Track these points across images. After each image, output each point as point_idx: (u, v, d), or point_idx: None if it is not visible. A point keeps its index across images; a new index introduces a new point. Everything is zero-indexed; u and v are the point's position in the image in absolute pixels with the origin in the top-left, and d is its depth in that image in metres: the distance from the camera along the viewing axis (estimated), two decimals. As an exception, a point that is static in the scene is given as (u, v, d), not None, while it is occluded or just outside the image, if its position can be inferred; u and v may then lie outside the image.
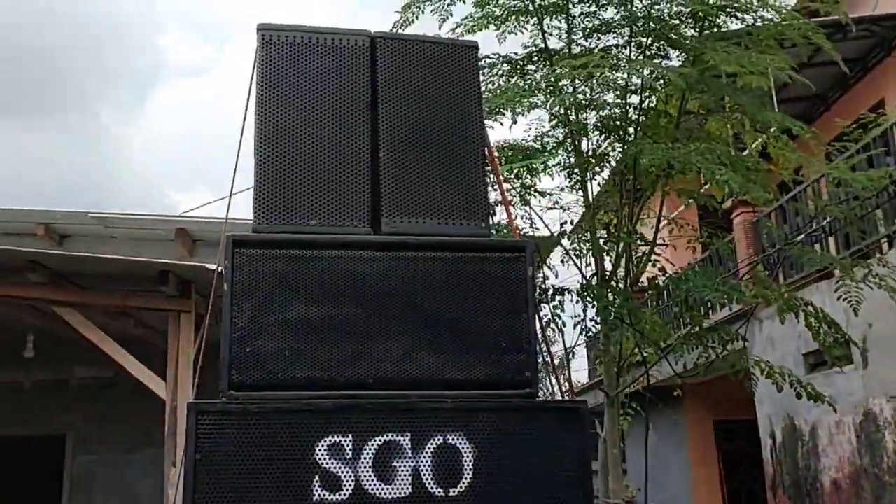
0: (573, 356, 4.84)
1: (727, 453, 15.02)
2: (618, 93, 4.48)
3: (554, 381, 4.33)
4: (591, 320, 4.64)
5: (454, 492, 2.15)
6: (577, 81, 4.26)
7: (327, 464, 2.12)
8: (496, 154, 4.65)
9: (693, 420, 14.85)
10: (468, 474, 2.17)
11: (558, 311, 4.58)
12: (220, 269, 2.28)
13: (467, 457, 2.18)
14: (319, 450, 2.12)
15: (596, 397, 13.58)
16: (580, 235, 4.70)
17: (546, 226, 4.90)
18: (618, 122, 4.56)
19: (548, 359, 3.20)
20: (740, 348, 5.10)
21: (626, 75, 4.29)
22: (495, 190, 3.78)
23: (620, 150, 4.58)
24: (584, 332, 4.59)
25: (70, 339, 7.09)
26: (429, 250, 2.32)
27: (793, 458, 9.39)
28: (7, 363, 7.72)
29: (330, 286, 2.26)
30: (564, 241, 4.79)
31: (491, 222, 4.07)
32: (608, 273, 4.46)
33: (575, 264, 4.73)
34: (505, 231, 4.29)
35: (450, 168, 2.45)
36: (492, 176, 3.14)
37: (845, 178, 4.18)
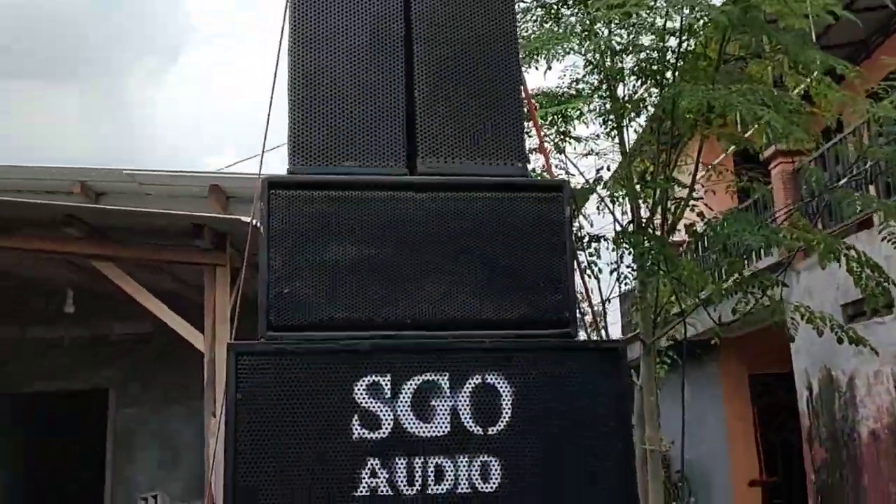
0: (608, 303, 4.81)
1: (763, 407, 14.97)
2: (655, 36, 4.38)
3: (590, 329, 4.30)
4: (626, 267, 4.60)
5: (493, 430, 2.15)
6: (612, 25, 4.16)
7: (366, 403, 2.12)
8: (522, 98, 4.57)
9: (729, 374, 14.79)
10: (506, 413, 2.16)
11: (594, 259, 4.55)
12: (254, 220, 2.27)
13: (506, 396, 2.17)
14: (358, 389, 2.13)
15: (630, 352, 13.51)
16: (616, 181, 4.62)
17: (581, 173, 4.85)
18: (655, 67, 4.46)
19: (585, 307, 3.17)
20: (779, 300, 5.03)
21: (663, 16, 4.18)
22: (531, 136, 3.74)
23: (658, 94, 4.48)
24: (619, 280, 4.56)
25: (108, 296, 7.20)
26: (465, 190, 2.29)
27: (829, 410, 9.32)
28: (48, 320, 7.87)
29: (366, 227, 2.24)
30: (600, 189, 4.72)
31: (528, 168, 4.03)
32: (644, 220, 4.40)
33: (610, 212, 4.68)
34: (543, 175, 4.23)
35: (486, 107, 2.41)
36: (528, 121, 3.09)
37: (890, 116, 4.05)
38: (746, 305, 4.50)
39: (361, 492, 2.08)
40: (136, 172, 7.57)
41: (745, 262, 5.40)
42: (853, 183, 6.44)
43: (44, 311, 7.86)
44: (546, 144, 4.66)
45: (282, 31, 2.47)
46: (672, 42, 4.33)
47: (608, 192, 4.66)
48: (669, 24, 4.23)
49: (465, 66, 2.42)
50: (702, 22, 4.14)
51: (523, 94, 2.57)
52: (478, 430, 2.15)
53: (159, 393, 7.93)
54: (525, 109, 2.85)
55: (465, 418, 2.15)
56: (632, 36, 4.38)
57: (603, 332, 4.75)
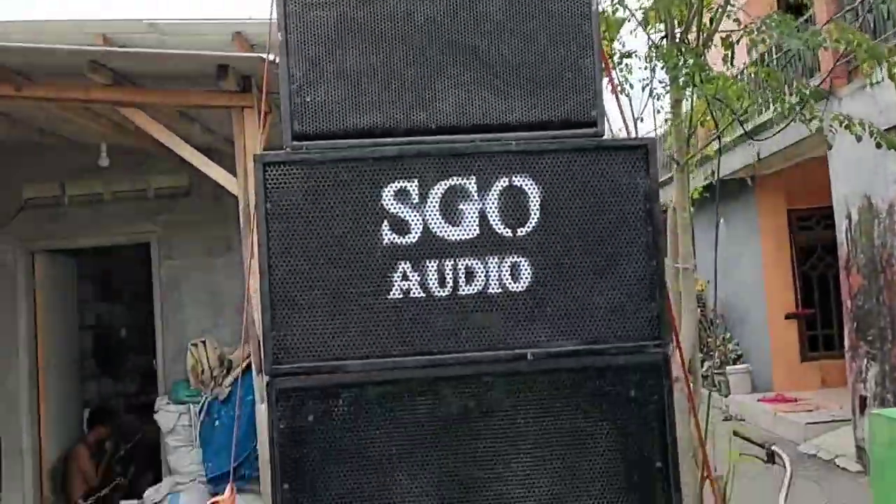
0: (641, 122, 4.71)
1: (801, 241, 14.95)
2: None
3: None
4: (659, 82, 4.48)
5: (522, 231, 2.16)
6: None
7: (395, 209, 2.14)
8: None
9: (766, 210, 14.71)
10: (535, 214, 2.17)
11: (626, 75, 4.43)
12: (269, 55, 2.22)
13: (534, 197, 2.17)
14: (386, 195, 2.14)
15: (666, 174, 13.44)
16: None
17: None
18: None
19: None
20: (816, 130, 4.83)
21: None
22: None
23: None
24: (651, 96, 4.45)
25: (144, 151, 7.26)
26: (489, -12, 2.21)
27: (868, 237, 9.28)
28: (87, 176, 7.98)
29: (389, 31, 2.19)
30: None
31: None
32: (679, 35, 4.24)
33: (640, 25, 4.49)
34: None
35: None
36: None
37: None
38: (785, 113, 4.33)
39: (394, 295, 2.13)
40: (157, 21, 7.42)
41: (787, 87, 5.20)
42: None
43: (82, 167, 7.96)
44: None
45: None
46: None
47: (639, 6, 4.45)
48: None
49: None
50: None
51: None
52: (507, 232, 2.17)
53: (200, 245, 8.10)
54: None
55: (494, 221, 2.16)
56: None
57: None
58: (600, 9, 4.64)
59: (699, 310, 16.48)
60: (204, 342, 7.61)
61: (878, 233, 9.02)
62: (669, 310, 2.43)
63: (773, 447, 3.38)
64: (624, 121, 2.71)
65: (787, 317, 14.54)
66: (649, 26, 4.62)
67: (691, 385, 4.26)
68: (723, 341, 16.44)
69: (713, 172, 9.68)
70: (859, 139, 4.27)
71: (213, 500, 3.04)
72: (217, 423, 7.36)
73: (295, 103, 2.17)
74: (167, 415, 7.35)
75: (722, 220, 16.09)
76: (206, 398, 7.33)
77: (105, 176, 7.94)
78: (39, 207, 8.12)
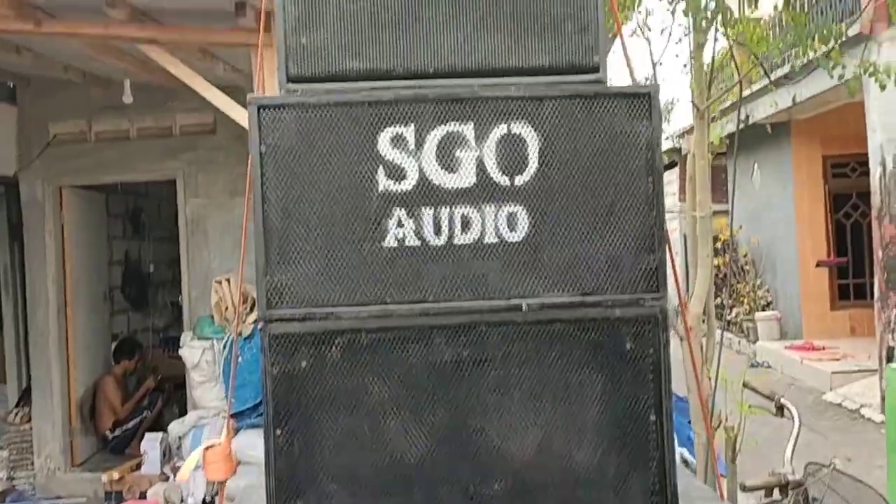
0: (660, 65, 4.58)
1: (836, 188, 14.68)
2: None
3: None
4: (679, 25, 4.34)
5: (520, 180, 2.12)
6: None
7: (390, 155, 2.10)
8: None
9: (801, 157, 14.42)
10: (534, 162, 2.12)
11: (644, 20, 4.28)
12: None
13: (532, 145, 2.12)
14: (382, 141, 2.10)
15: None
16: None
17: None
18: None
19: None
20: (853, 76, 4.64)
21: None
22: None
23: None
24: (671, 40, 4.30)
25: (167, 88, 7.25)
26: (487, -74, 2.13)
27: (903, 186, 9.06)
28: (113, 113, 8.02)
29: (384, -29, 2.13)
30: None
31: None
32: (702, -25, 4.09)
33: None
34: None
35: None
36: None
37: None
38: (812, 53, 4.17)
39: (389, 242, 2.11)
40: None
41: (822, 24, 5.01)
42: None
43: (108, 104, 7.99)
44: None
45: None
46: None
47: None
48: None
49: None
50: None
51: None
52: (504, 181, 2.12)
53: (225, 183, 8.13)
54: None
55: (491, 168, 2.12)
56: None
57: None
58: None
59: (729, 255, 16.33)
60: (228, 279, 7.68)
61: (913, 182, 8.81)
62: (672, 264, 2.39)
63: (781, 399, 3.36)
64: (629, 64, 2.62)
65: (819, 265, 14.36)
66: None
67: (704, 334, 4.24)
68: (753, 287, 16.31)
69: (747, 116, 9.49)
70: (883, 87, 4.13)
71: (208, 443, 3.09)
72: (241, 359, 7.48)
73: (290, 44, 2.13)
74: (192, 350, 7.48)
75: (756, 165, 15.82)
76: (230, 335, 7.44)
77: (130, 113, 7.97)
78: (66, 144, 8.18)
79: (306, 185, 2.08)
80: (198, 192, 8.31)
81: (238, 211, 8.11)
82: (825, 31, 4.00)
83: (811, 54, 4.13)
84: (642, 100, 2.15)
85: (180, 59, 5.58)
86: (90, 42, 5.52)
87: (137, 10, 5.08)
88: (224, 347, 7.48)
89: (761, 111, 12.84)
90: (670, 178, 21.84)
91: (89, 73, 7.54)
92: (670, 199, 21.45)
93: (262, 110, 2.10)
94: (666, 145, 18.03)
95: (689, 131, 13.93)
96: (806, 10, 4.02)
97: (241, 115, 5.64)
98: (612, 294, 2.14)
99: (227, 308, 7.60)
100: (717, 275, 15.34)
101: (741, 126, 8.07)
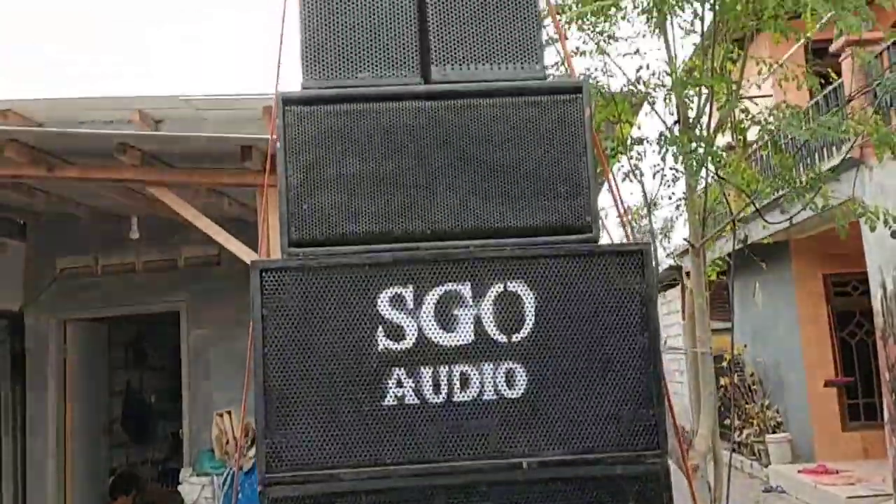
0: (655, 208, 4.69)
1: (838, 306, 14.67)
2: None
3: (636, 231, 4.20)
4: (671, 169, 4.48)
5: (517, 337, 2.16)
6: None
7: (390, 315, 2.15)
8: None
9: (802, 275, 14.47)
10: (530, 320, 2.16)
11: (637, 162, 4.43)
12: (274, 135, 2.27)
13: (528, 303, 2.17)
14: (381, 301, 2.15)
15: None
16: (659, 81, 4.46)
17: (624, 74, 4.68)
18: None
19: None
20: (847, 199, 4.77)
21: None
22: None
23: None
24: (663, 183, 4.45)
25: (173, 221, 7.40)
26: (480, 97, 2.25)
27: (904, 308, 9.07)
28: (119, 247, 8.15)
29: (382, 139, 2.23)
30: (641, 88, 4.55)
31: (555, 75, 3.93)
32: (692, 120, 4.26)
33: (655, 111, 4.53)
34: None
35: (501, 10, 2.34)
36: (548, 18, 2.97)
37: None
38: (795, 202, 4.31)
39: (389, 401, 2.12)
40: (192, 98, 7.63)
41: (809, 160, 5.16)
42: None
43: (115, 239, 8.13)
44: (584, 48, 4.52)
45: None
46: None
47: (646, 93, 4.48)
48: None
49: (479, -32, 2.34)
50: None
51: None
52: (502, 338, 2.16)
53: (228, 314, 8.17)
54: (545, 10, 2.74)
55: (489, 326, 2.16)
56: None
57: (649, 236, 4.65)
58: (622, 89, 4.71)
59: (737, 374, 16.18)
60: (230, 412, 7.62)
61: (914, 303, 8.83)
62: (673, 417, 2.39)
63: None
64: (621, 218, 2.69)
65: (827, 384, 14.18)
66: (667, 105, 4.64)
67: (712, 472, 4.17)
68: (762, 408, 16.07)
69: (746, 237, 9.59)
70: (873, 229, 4.22)
71: None
72: (241, 495, 7.34)
73: (292, 211, 2.20)
74: (191, 487, 7.35)
75: (757, 285, 15.87)
76: (230, 469, 7.32)
77: (137, 247, 8.10)
78: (73, 278, 8.29)
79: (306, 347, 2.12)
80: (200, 322, 8.35)
81: (240, 342, 8.14)
82: (812, 175, 4.13)
83: (797, 195, 4.24)
84: (635, 257, 2.20)
85: (187, 195, 5.74)
86: (101, 184, 5.68)
87: (147, 154, 5.25)
88: (224, 482, 7.34)
89: (760, 231, 12.99)
90: (673, 297, 21.87)
91: (97, 210, 7.72)
92: (674, 317, 21.40)
93: (264, 274, 2.15)
94: (666, 263, 18.10)
95: (688, 251, 14.06)
96: (783, 151, 4.15)
97: (244, 252, 5.74)
98: (613, 451, 2.13)
99: (227, 442, 7.50)
100: (724, 395, 15.20)
101: (740, 244, 8.17)
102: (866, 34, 6.70)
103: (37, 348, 8.24)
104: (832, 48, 8.90)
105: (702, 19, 4.30)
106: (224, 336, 8.16)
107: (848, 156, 7.50)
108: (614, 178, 3.68)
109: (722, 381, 15.49)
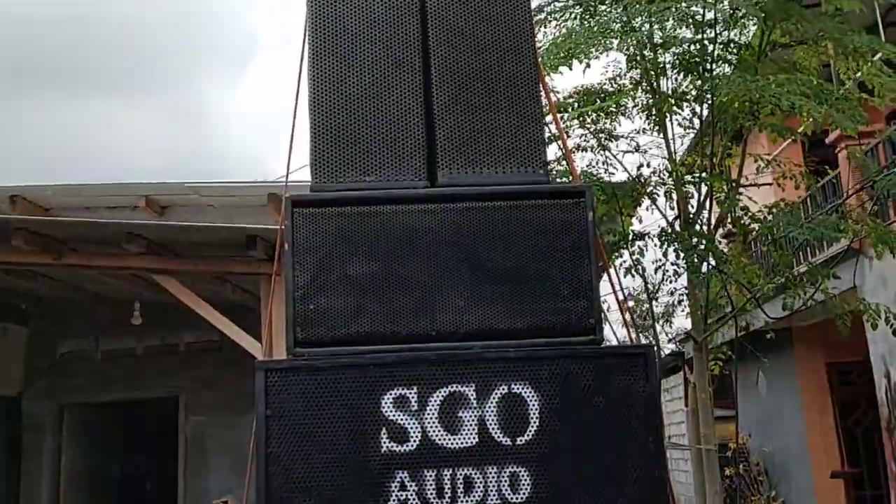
0: (654, 300, 4.71)
1: (843, 395, 14.52)
2: (695, 27, 4.28)
3: (630, 329, 4.22)
4: (672, 264, 4.52)
5: (521, 440, 2.14)
6: (651, 18, 4.08)
7: (394, 416, 2.14)
8: (564, 98, 4.54)
9: (804, 364, 14.38)
10: (535, 422, 2.15)
11: (638, 257, 4.47)
12: (282, 226, 2.31)
13: (533, 405, 2.16)
14: (385, 403, 2.15)
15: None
16: (660, 179, 4.55)
17: (625, 169, 4.77)
18: (697, 59, 4.37)
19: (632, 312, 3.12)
20: (847, 289, 4.82)
21: (702, 7, 4.08)
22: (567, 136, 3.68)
23: (700, 87, 4.39)
24: (665, 278, 4.49)
25: (175, 307, 7.42)
26: (485, 200, 2.29)
27: (909, 399, 8.99)
28: (120, 332, 8.15)
29: (389, 241, 2.26)
30: (644, 180, 4.62)
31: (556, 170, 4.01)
32: (692, 216, 4.32)
33: (656, 207, 4.59)
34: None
35: (506, 115, 2.41)
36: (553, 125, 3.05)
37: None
38: (803, 299, 4.37)
39: (392, 504, 2.10)
40: (198, 185, 7.74)
41: (806, 252, 5.22)
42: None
43: (117, 323, 8.14)
44: (585, 144, 4.62)
45: (303, 46, 2.50)
46: (713, 33, 4.23)
47: (646, 188, 4.56)
48: (709, 15, 4.14)
49: (484, 74, 2.42)
50: (743, 11, 4.02)
51: (544, 99, 2.55)
52: (506, 441, 2.15)
53: (227, 401, 8.12)
54: (548, 115, 2.83)
55: (493, 429, 2.15)
56: (671, 29, 4.30)
57: (651, 331, 4.67)
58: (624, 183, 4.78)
59: (742, 464, 15.93)
60: (226, 502, 7.49)
61: (918, 395, 8.75)
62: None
63: None
64: (623, 315, 2.71)
65: (833, 476, 13.94)
66: (666, 200, 4.71)
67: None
68: (768, 500, 15.76)
69: (748, 324, 9.57)
70: (875, 327, 4.24)
71: None
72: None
73: (298, 310, 2.22)
74: (184, 580, 7.16)
75: (760, 373, 15.76)
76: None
77: (138, 331, 8.10)
78: (72, 362, 8.26)
79: (309, 450, 2.10)
80: (199, 409, 8.29)
81: (238, 430, 8.06)
82: (811, 269, 4.17)
83: (802, 295, 4.28)
84: (638, 360, 2.21)
85: (191, 282, 5.77)
86: (105, 271, 5.72)
87: (154, 243, 5.31)
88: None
89: (762, 318, 12.96)
90: (676, 382, 21.68)
91: (99, 294, 7.75)
92: (677, 403, 21.18)
93: (269, 374, 2.16)
94: (668, 349, 18.01)
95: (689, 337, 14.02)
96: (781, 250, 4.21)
97: (243, 340, 5.75)
98: (619, 559, 2.10)
99: (223, 532, 7.36)
100: (729, 485, 14.90)
101: (742, 332, 8.17)
102: (861, 127, 6.82)
103: (33, 434, 8.15)
104: (828, 140, 9.06)
105: (699, 117, 4.41)
106: (223, 423, 8.09)
107: (846, 247, 7.55)
108: (616, 272, 3.72)
109: (728, 472, 15.22)
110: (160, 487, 10.44)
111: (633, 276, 4.53)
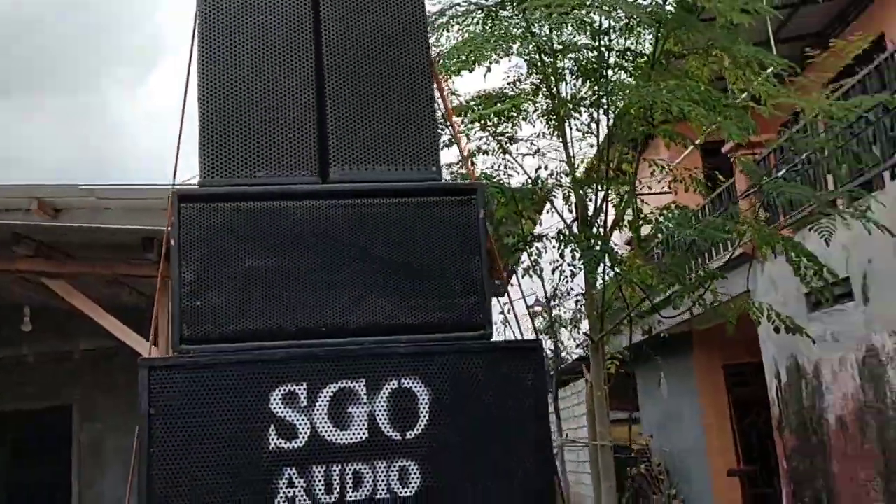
0: (556, 302, 4.79)
1: (738, 396, 15.06)
2: (591, 35, 4.40)
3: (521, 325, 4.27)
4: (568, 265, 4.63)
5: (411, 434, 2.16)
6: (550, 24, 4.17)
7: (282, 412, 2.12)
8: (466, 101, 4.60)
9: (703, 366, 14.86)
10: (424, 417, 2.17)
11: (536, 258, 4.56)
12: (169, 227, 2.26)
13: (423, 400, 2.18)
14: (274, 399, 2.12)
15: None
16: (557, 181, 4.65)
17: (525, 172, 4.86)
18: (594, 65, 4.49)
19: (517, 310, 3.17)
20: (742, 292, 5.02)
21: (598, 15, 4.20)
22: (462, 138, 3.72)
23: (597, 93, 4.51)
24: (562, 278, 4.60)
25: (70, 312, 7.15)
26: (377, 196, 2.30)
27: (798, 398, 9.40)
28: (9, 338, 7.80)
29: (278, 237, 2.24)
30: (542, 183, 4.72)
31: (458, 172, 4.06)
32: (590, 218, 4.42)
33: (554, 209, 4.69)
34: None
35: (398, 113, 2.42)
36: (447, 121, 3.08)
37: (824, 109, 4.11)
38: (685, 299, 4.51)
39: (279, 502, 2.08)
40: (94, 187, 7.47)
41: (707, 256, 5.41)
42: (806, 174, 6.49)
43: (6, 329, 7.78)
44: (485, 147, 4.69)
45: (192, 44, 2.46)
46: (609, 41, 4.35)
47: (544, 190, 4.66)
48: (606, 24, 4.26)
49: (376, 73, 2.42)
50: (638, 19, 4.15)
51: (438, 98, 2.57)
52: (396, 435, 2.15)
53: (125, 407, 7.87)
54: (442, 114, 2.85)
55: (383, 424, 2.16)
56: (569, 35, 4.40)
57: (550, 331, 4.74)
58: (524, 184, 4.86)
59: (644, 464, 16.35)
60: (122, 512, 7.26)
61: (806, 393, 9.17)
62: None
63: None
64: (515, 316, 2.75)
65: (730, 474, 14.44)
66: (566, 203, 4.80)
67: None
68: (668, 498, 16.21)
69: (650, 328, 9.83)
70: (758, 324, 4.41)
71: None
72: None
73: (184, 307, 2.18)
74: None
75: (662, 375, 16.20)
76: (121, 574, 6.93)
77: (29, 338, 7.77)
78: (-43, 371, 7.87)
79: (195, 449, 2.06)
80: (95, 416, 8.01)
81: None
82: (702, 272, 4.33)
83: (690, 295, 4.43)
84: (527, 353, 2.26)
85: (85, 286, 5.57)
86: (-7, 274, 5.48)
87: (44, 245, 5.11)
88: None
89: (667, 322, 13.33)
90: (582, 387, 22.08)
91: (-12, 300, 7.41)
92: (582, 408, 21.57)
93: (152, 372, 2.11)
94: (577, 354, 18.33)
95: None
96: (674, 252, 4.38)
97: (142, 345, 5.59)
98: (507, 548, 2.13)
99: (119, 544, 7.12)
100: (632, 484, 15.26)
101: (645, 335, 8.38)
102: (754, 137, 7.10)
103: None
104: (724, 150, 9.41)
105: (597, 123, 4.53)
106: (119, 428, 7.83)
107: (740, 252, 7.84)
108: (515, 273, 3.77)
109: (631, 471, 15.61)
110: (51, 498, 10.03)
111: (531, 276, 4.61)
